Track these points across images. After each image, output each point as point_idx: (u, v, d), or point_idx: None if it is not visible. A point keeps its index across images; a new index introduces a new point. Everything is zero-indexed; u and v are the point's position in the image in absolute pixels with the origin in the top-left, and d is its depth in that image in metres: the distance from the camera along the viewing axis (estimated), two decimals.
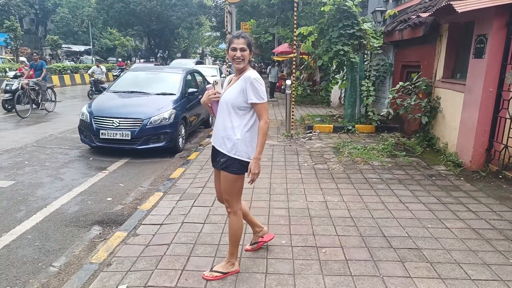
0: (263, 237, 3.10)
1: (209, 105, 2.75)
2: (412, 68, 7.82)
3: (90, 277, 2.76)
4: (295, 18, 7.64)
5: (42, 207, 4.24)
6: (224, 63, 30.98)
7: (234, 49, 2.54)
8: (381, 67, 8.78)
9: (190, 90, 7.47)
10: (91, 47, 42.03)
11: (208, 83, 9.94)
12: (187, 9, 39.27)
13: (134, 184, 5.15)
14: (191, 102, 7.55)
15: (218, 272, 2.72)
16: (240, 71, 2.60)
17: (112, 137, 6.24)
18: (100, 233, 3.70)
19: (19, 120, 9.67)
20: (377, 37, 8.85)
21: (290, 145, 6.97)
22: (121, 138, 6.23)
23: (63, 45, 37.42)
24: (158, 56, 45.94)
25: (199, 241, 3.27)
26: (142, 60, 40.76)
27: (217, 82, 2.71)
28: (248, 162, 2.59)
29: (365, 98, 8.26)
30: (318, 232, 3.45)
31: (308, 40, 9.40)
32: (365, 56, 8.89)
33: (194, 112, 7.80)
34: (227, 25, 7.82)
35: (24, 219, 3.93)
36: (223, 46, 50.16)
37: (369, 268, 2.85)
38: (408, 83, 6.92)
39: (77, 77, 23.16)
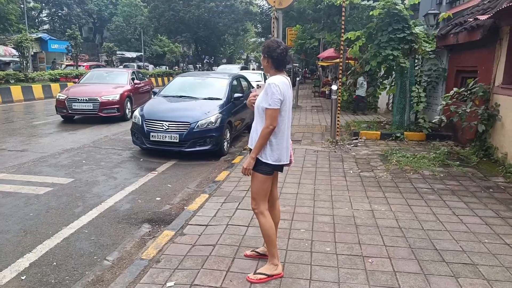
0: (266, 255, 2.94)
1: (253, 105, 2.83)
2: (467, 74, 7.40)
3: (141, 272, 2.90)
4: (342, 22, 7.54)
5: (98, 204, 4.52)
6: None
7: None
8: (433, 72, 8.39)
9: (236, 95, 7.61)
10: (142, 53, 44.16)
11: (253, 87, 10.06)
12: (233, 16, 40.13)
13: (181, 185, 5.33)
14: (237, 106, 7.69)
15: (262, 274, 2.74)
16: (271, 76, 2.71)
17: (161, 140, 6.51)
18: (149, 231, 3.87)
19: (77, 123, 10.37)
20: (430, 41, 8.48)
21: (335, 152, 6.86)
22: (169, 140, 6.47)
23: (118, 52, 39.67)
24: (204, 61, 47.30)
25: (243, 244, 3.31)
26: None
27: (259, 86, 2.79)
28: (274, 165, 2.68)
29: (415, 104, 7.93)
30: (364, 241, 3.36)
31: (356, 45, 9.22)
32: (416, 61, 8.55)
33: (239, 116, 7.92)
34: (273, 31, 7.90)
35: (81, 214, 4.21)
36: None
37: (419, 281, 2.73)
38: (463, 89, 6.56)
39: None
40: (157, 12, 38.78)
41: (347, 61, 14.11)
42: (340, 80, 8.26)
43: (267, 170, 2.68)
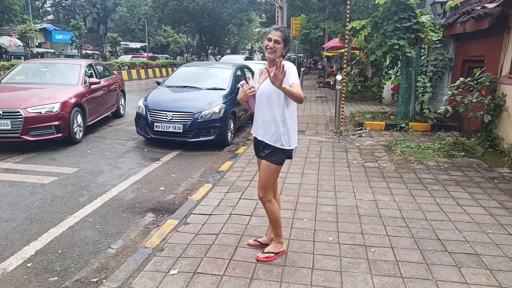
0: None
1: (245, 100, 2.86)
2: (474, 63, 7.31)
3: (144, 260, 2.93)
4: (347, 11, 7.45)
5: (102, 193, 4.55)
6: None
7: (269, 39, 2.64)
8: (440, 62, 8.30)
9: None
10: (146, 44, 44.03)
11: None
12: (237, 6, 39.80)
13: (185, 175, 5.35)
14: None
15: (270, 252, 2.88)
16: (273, 62, 2.65)
17: (165, 130, 6.52)
18: (153, 220, 3.90)
19: None
20: (436, 30, 8.37)
21: (339, 142, 6.84)
22: (173, 130, 6.49)
23: (122, 42, 39.58)
24: (208, 52, 47.09)
25: (246, 233, 3.33)
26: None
27: (249, 78, 2.81)
28: (290, 151, 2.74)
29: (420, 94, 7.86)
30: (367, 231, 3.36)
31: (361, 34, 9.13)
32: (422, 50, 8.45)
33: (242, 107, 7.88)
34: (277, 20, 7.82)
35: (86, 203, 4.25)
36: None
37: (421, 271, 2.73)
38: (469, 78, 6.48)
39: (133, 72, 24.42)
40: (161, 2, 38.56)
41: (352, 51, 13.99)
42: (345, 70, 8.19)
43: (281, 160, 2.74)
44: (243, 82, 2.80)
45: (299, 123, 8.91)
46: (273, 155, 2.70)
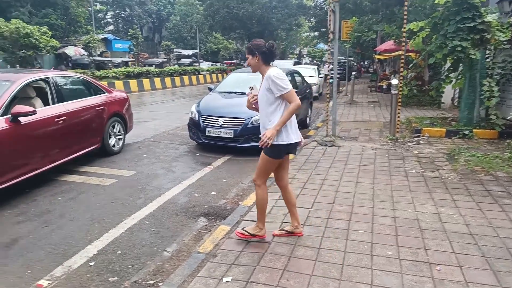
0: (296, 233, 3.40)
1: (253, 106, 3.27)
2: None
3: (198, 265, 2.95)
4: (405, 13, 7.12)
5: (157, 196, 4.70)
6: (325, 63, 30.50)
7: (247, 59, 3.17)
8: (508, 64, 7.62)
9: None
10: (197, 51, 45.50)
11: (306, 83, 9.89)
12: (286, 11, 39.80)
13: (236, 180, 5.37)
14: None
15: (246, 231, 3.25)
16: (262, 73, 3.12)
17: (217, 135, 6.63)
18: (206, 225, 3.94)
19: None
20: (504, 30, 7.72)
21: (395, 149, 6.51)
22: (224, 136, 6.57)
23: (175, 50, 41.24)
24: None
25: (299, 243, 3.25)
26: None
27: (252, 88, 3.21)
28: (282, 145, 3.06)
29: (486, 99, 7.27)
30: (430, 246, 3.13)
31: (418, 36, 8.67)
32: (488, 52, 7.83)
33: None
34: (329, 24, 7.64)
35: (143, 206, 4.40)
36: (321, 46, 49.41)
37: None
38: None
39: (185, 78, 25.30)
40: (212, 10, 39.62)
41: (407, 54, 13.35)
42: (401, 74, 7.82)
43: (272, 154, 3.06)
44: (248, 92, 3.20)
45: (351, 129, 8.69)
46: (267, 148, 3.06)
